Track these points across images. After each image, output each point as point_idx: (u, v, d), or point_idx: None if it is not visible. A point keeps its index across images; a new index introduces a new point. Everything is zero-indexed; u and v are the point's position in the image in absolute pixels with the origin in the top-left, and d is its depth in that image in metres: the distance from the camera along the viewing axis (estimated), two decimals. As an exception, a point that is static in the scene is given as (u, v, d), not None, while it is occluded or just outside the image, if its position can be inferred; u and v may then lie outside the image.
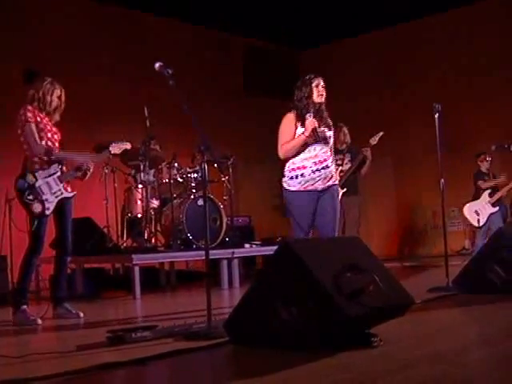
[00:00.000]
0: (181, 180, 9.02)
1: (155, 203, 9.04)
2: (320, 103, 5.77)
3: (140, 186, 8.98)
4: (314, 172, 5.67)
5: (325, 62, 15.72)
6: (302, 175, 5.69)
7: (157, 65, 4.81)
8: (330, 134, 5.80)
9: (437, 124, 6.73)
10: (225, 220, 8.92)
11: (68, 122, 6.14)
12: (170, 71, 4.75)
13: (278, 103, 15.45)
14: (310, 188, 5.67)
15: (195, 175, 8.98)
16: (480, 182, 10.17)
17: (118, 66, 12.19)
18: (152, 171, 8.94)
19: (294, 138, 5.70)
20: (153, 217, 8.91)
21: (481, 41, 13.79)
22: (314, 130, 5.60)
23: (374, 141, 8.60)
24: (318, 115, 5.73)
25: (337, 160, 8.61)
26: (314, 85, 5.76)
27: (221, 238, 8.83)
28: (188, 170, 9.03)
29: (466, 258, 8.09)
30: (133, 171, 9.19)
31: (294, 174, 5.72)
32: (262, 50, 15.48)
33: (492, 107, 13.38)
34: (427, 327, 4.33)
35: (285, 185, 5.77)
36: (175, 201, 8.95)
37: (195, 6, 12.79)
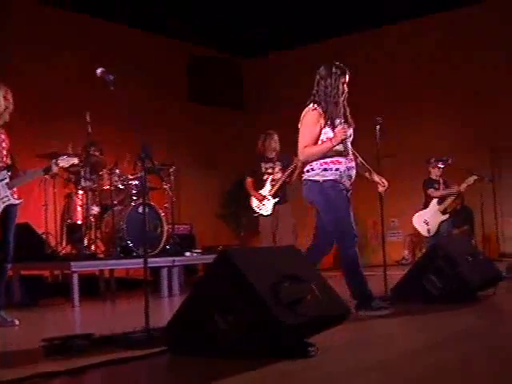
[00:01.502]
0: (122, 187, 8.93)
1: (95, 210, 8.92)
2: (344, 100, 5.44)
3: (80, 192, 8.86)
4: (348, 169, 5.40)
5: (269, 71, 15.87)
6: (337, 169, 5.33)
7: (98, 70, 4.77)
8: (351, 132, 5.48)
9: (377, 136, 6.72)
10: (166, 228, 8.87)
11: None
12: (111, 77, 4.72)
13: (222, 110, 15.80)
14: (344, 182, 5.39)
15: (136, 182, 8.90)
16: (431, 191, 10.05)
17: (61, 70, 12.04)
18: (93, 177, 8.83)
19: (317, 139, 5.31)
20: (93, 224, 8.79)
21: (419, 57, 14.14)
22: (344, 140, 5.28)
23: None
24: (343, 115, 5.41)
25: (267, 168, 8.70)
26: (342, 81, 5.40)
27: (161, 245, 8.77)
28: (129, 176, 8.95)
29: (405, 268, 8.18)
30: (73, 177, 9.06)
31: (327, 166, 5.31)
32: (206, 57, 15.50)
33: (431, 121, 13.70)
34: (364, 336, 4.38)
35: (317, 177, 5.32)
36: (116, 208, 8.85)
37: (140, 12, 12.75)
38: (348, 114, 5.47)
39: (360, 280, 5.33)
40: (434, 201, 10.01)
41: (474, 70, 13.50)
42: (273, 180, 8.62)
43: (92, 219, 8.75)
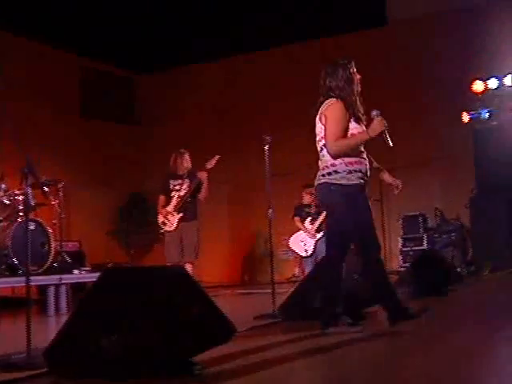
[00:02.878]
0: (8, 202, 8.65)
1: (-21, 226, 8.61)
2: (358, 91, 5.17)
3: (-37, 207, 8.53)
4: (369, 170, 5.17)
5: (164, 87, 15.83)
6: (360, 171, 5.06)
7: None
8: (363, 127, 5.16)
9: (266, 155, 6.78)
10: (53, 245, 8.65)
11: None
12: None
13: (114, 126, 15.61)
14: (364, 183, 5.13)
15: (23, 197, 8.64)
16: (296, 219, 10.46)
17: None
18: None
19: (347, 132, 5.02)
20: (-23, 240, 8.46)
21: (304, 78, 14.45)
22: (383, 132, 4.96)
23: (210, 165, 8.43)
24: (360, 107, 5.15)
25: (175, 185, 8.68)
26: (352, 70, 5.16)
27: (49, 263, 8.55)
28: (16, 191, 8.68)
29: (296, 285, 8.28)
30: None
31: (351, 167, 5.01)
32: (100, 71, 15.33)
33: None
34: (249, 354, 4.40)
35: (343, 181, 5.00)
36: (1, 224, 8.56)
37: (32, 22, 12.44)
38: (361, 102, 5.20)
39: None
40: (307, 221, 10.35)
41: (372, 94, 13.90)
42: (179, 196, 8.61)
43: (-24, 236, 8.43)
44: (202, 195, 8.63)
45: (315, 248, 10.22)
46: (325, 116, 5.07)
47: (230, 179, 14.54)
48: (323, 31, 14.06)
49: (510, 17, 13.15)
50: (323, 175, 5.06)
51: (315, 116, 5.21)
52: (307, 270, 10.38)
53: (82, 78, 14.96)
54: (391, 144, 4.95)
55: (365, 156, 5.14)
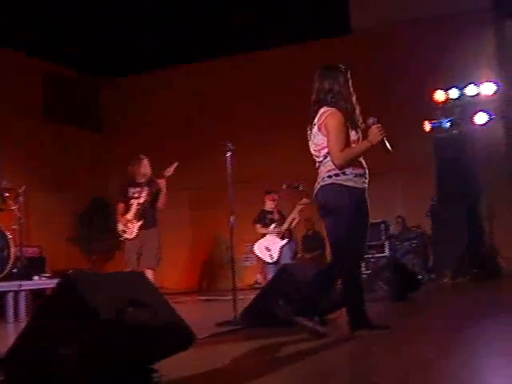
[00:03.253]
0: (-33, 207, 8.54)
1: None
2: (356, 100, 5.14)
3: None
4: (367, 175, 5.14)
5: (127, 94, 15.75)
6: (364, 175, 5.05)
7: None
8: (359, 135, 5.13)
9: (228, 161, 6.74)
10: (13, 250, 8.54)
11: None
12: None
13: (77, 131, 15.49)
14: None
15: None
16: (258, 226, 10.48)
17: None
18: None
19: (349, 142, 4.98)
20: None
21: (280, 84, 14.55)
22: (383, 138, 4.98)
23: (168, 172, 8.33)
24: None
25: (134, 193, 8.55)
26: (349, 77, 5.14)
27: (8, 269, 8.43)
28: (-26, 197, 8.57)
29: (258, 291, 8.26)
30: None
31: (357, 172, 5.00)
32: (63, 76, 15.20)
33: (289, 148, 14.04)
34: (209, 361, 4.38)
35: (350, 183, 4.99)
36: (-41, 229, 8.44)
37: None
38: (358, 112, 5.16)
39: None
40: (272, 226, 10.37)
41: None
42: (138, 204, 8.51)
43: None
44: (160, 203, 8.55)
45: (280, 254, 10.21)
46: (325, 126, 5.02)
47: (192, 185, 14.51)
48: (286, 38, 14.15)
49: (472, 29, 13.37)
50: (329, 176, 5.01)
51: (312, 124, 5.17)
52: (269, 276, 10.12)
53: (44, 82, 14.81)
54: (391, 150, 5.02)
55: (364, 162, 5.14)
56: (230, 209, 6.74)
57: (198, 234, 15.28)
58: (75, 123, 15.31)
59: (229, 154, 6.80)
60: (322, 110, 5.07)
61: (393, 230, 13.80)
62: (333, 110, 4.99)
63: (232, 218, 6.72)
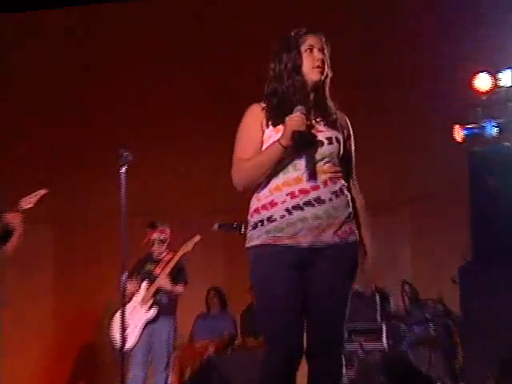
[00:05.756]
0: None
1: None
2: (317, 82, 3.44)
3: None
4: (289, 212, 3.33)
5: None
6: (269, 219, 3.35)
7: None
8: (332, 136, 3.42)
9: (122, 181, 4.61)
10: None
11: None
12: None
13: None
14: (288, 242, 3.30)
15: None
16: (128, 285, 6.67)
17: None
18: None
19: (260, 150, 3.43)
20: None
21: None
22: (294, 133, 3.28)
23: (27, 203, 6.40)
24: (312, 104, 3.44)
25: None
26: (304, 47, 3.44)
27: None
28: None
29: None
30: None
31: (258, 218, 3.40)
32: None
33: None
34: None
35: (247, 242, 3.47)
36: None
37: None
38: (329, 105, 3.50)
39: None
40: (143, 285, 7.18)
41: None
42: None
43: None
44: (10, 246, 6.66)
45: (140, 338, 6.99)
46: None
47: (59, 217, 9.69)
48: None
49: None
50: (254, 226, 3.49)
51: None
52: (132, 374, 6.83)
53: None
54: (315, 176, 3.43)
55: (297, 190, 3.47)
56: (122, 260, 4.74)
57: (64, 301, 9.85)
58: None
59: (123, 169, 4.70)
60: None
61: (395, 304, 9.04)
62: (253, 105, 3.58)
63: (125, 275, 4.81)
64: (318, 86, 3.48)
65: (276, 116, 3.41)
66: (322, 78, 3.46)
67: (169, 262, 7.11)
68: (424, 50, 9.31)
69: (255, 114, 3.50)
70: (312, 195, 3.30)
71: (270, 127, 3.43)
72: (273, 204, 3.34)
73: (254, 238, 3.40)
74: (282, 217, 3.30)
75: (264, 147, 3.43)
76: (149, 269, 7.32)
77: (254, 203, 3.45)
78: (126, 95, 9.99)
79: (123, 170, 4.74)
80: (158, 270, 7.21)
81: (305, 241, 3.29)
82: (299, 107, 3.35)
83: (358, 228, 3.56)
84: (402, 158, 9.20)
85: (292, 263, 3.30)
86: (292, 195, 3.30)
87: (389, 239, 9.16)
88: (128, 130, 9.34)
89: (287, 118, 3.33)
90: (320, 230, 3.31)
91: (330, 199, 3.34)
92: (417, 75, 9.30)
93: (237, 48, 9.85)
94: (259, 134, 3.44)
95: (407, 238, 9.65)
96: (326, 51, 3.47)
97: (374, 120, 9.10)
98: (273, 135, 3.41)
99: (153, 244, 7.33)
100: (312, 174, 3.31)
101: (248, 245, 3.45)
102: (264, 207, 3.37)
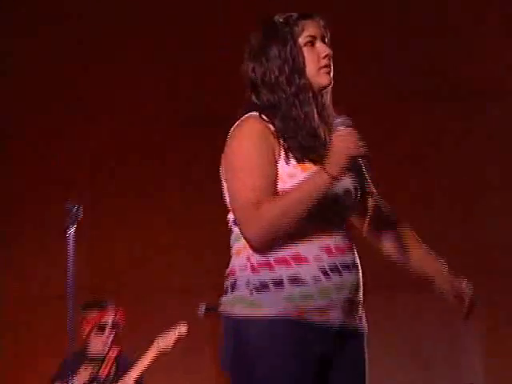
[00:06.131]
0: None
1: None
2: (325, 87, 2.26)
3: None
4: (326, 274, 2.09)
5: None
6: (295, 280, 2.06)
7: None
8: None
9: (70, 246, 3.25)
10: None
11: None
12: None
13: None
14: (317, 319, 2.05)
15: None
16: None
17: None
18: None
19: (276, 186, 2.12)
20: None
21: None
22: (352, 159, 2.09)
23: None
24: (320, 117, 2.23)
25: None
26: (302, 39, 2.23)
27: None
28: None
29: None
30: None
31: (270, 276, 2.07)
32: None
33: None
34: None
35: (236, 308, 2.10)
36: None
37: None
38: (330, 113, 2.27)
39: None
40: None
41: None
42: None
43: None
44: None
45: None
46: (224, 156, 2.29)
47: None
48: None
49: None
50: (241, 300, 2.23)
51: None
52: None
53: None
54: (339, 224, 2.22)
55: (333, 244, 2.24)
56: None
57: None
58: None
59: (71, 227, 3.35)
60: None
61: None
62: (246, 117, 2.21)
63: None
64: (325, 92, 2.35)
65: (301, 148, 2.19)
66: (332, 81, 2.33)
67: (130, 363, 4.76)
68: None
69: (261, 133, 2.22)
70: (348, 256, 2.18)
71: (292, 162, 2.17)
72: (300, 259, 2.13)
73: (265, 303, 2.10)
74: (317, 280, 2.11)
75: (280, 186, 2.18)
76: (91, 372, 4.77)
77: (255, 256, 2.15)
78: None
79: (71, 229, 3.39)
80: (105, 371, 4.79)
81: (336, 320, 2.12)
82: (341, 119, 2.23)
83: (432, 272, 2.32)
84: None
85: (320, 352, 2.12)
86: (328, 251, 2.15)
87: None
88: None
89: (334, 135, 2.18)
90: (350, 306, 2.18)
91: (357, 266, 2.24)
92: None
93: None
94: (272, 163, 2.17)
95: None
96: (327, 40, 2.32)
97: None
98: (297, 173, 2.17)
99: (100, 332, 4.80)
100: (348, 225, 2.27)
101: (254, 313, 2.12)
102: (283, 261, 2.13)
